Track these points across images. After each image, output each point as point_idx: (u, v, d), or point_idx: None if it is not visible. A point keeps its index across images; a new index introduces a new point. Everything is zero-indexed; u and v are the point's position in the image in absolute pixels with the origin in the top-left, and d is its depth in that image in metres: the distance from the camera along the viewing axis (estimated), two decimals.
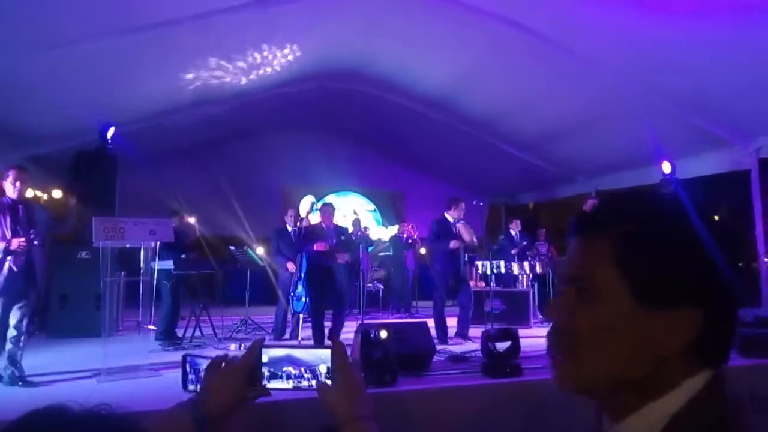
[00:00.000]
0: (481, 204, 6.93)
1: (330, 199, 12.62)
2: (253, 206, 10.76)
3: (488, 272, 7.67)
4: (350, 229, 8.19)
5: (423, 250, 9.05)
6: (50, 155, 7.51)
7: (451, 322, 6.43)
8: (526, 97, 8.88)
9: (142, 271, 6.07)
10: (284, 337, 6.69)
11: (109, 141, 7.44)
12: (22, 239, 4.28)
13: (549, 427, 4.15)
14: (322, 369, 1.03)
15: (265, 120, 11.26)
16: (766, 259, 8.31)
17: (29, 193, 5.09)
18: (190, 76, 7.49)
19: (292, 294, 6.62)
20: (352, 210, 11.61)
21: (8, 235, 4.28)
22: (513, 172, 11.82)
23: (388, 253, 10.36)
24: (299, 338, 6.44)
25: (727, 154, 8.23)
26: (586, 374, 0.69)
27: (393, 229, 11.57)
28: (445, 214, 6.58)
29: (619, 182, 10.31)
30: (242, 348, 6.01)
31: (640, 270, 0.66)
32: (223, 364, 1.12)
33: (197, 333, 6.56)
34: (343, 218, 10.62)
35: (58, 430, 0.64)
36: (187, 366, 1.26)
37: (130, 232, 4.76)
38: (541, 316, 8.02)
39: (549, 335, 0.74)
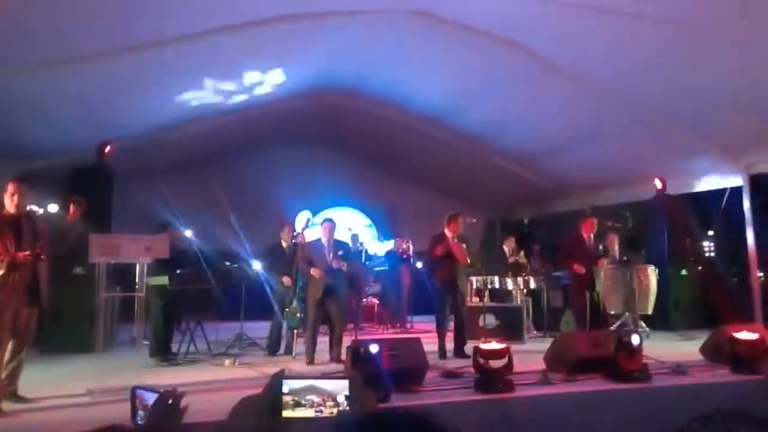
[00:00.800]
0: (474, 220, 6.96)
1: (326, 213, 12.68)
2: (249, 221, 10.76)
3: (482, 287, 7.70)
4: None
5: (419, 265, 9.09)
6: (46, 171, 7.54)
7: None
8: (521, 113, 8.98)
9: (137, 286, 6.11)
10: (278, 352, 6.69)
11: (106, 157, 7.47)
12: (27, 253, 4.10)
13: None
14: (341, 398, 1.10)
15: (260, 135, 11.33)
16: (759, 274, 8.37)
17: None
18: (187, 95, 7.57)
19: (287, 309, 6.63)
20: (348, 226, 11.63)
21: (11, 250, 4.08)
22: (508, 187, 11.90)
23: (383, 267, 10.38)
24: (294, 353, 6.45)
25: (717, 171, 8.32)
26: None
27: (389, 244, 11.60)
28: (445, 230, 6.61)
29: (613, 198, 10.38)
30: (236, 363, 6.03)
31: None
32: (171, 400, 1.16)
33: (192, 348, 6.55)
34: (339, 233, 10.63)
35: None
36: (137, 400, 1.29)
37: (125, 248, 4.80)
38: (535, 331, 8.04)
39: None
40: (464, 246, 6.46)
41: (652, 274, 6.82)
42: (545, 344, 6.54)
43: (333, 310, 6.22)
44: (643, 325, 7.26)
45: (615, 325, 6.90)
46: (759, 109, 6.77)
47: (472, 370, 5.21)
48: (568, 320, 7.91)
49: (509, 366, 4.89)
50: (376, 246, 12.65)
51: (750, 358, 5.05)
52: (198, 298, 6.82)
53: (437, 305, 6.55)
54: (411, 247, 9.79)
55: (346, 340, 5.88)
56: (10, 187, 4.17)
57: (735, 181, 8.14)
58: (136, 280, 7.18)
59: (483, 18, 6.54)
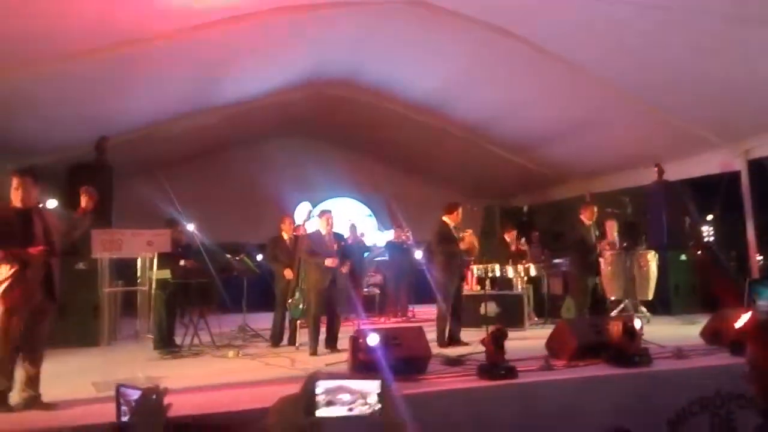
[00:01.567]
0: (476, 209, 6.97)
1: (326, 204, 12.70)
2: (250, 213, 10.82)
3: (483, 275, 7.74)
4: (346, 235, 8.24)
5: (418, 254, 9.10)
6: (46, 167, 7.55)
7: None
8: (518, 101, 8.99)
9: (139, 280, 6.14)
10: (282, 343, 6.73)
11: (104, 152, 7.47)
12: (41, 248, 3.89)
13: (544, 428, 4.21)
14: (372, 398, 1.18)
15: (259, 128, 11.34)
16: (758, 258, 8.43)
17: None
18: (184, 86, 7.56)
19: (290, 300, 6.66)
20: (348, 216, 11.65)
21: (23, 245, 3.86)
22: (507, 175, 11.93)
23: (383, 258, 10.41)
24: (297, 344, 6.49)
25: (716, 156, 8.35)
26: None
27: (389, 234, 11.63)
28: (444, 218, 6.61)
29: (612, 184, 10.42)
30: (240, 354, 6.07)
31: None
32: (154, 397, 1.19)
33: (195, 341, 6.60)
34: (338, 224, 10.66)
35: None
36: (121, 398, 1.32)
37: (127, 243, 4.81)
38: (536, 318, 8.09)
39: None
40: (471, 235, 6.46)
41: (652, 259, 6.85)
42: (546, 331, 6.58)
43: (334, 300, 6.25)
44: (644, 310, 7.30)
45: (615, 311, 6.95)
46: (757, 94, 6.78)
47: (474, 357, 5.27)
48: (568, 307, 7.96)
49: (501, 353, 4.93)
50: (377, 236, 12.69)
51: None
52: (200, 291, 6.86)
53: (443, 295, 6.52)
54: (410, 237, 9.81)
55: (349, 330, 5.91)
56: (14, 181, 3.99)
57: (733, 165, 8.17)
58: (138, 274, 7.20)
59: (479, 6, 6.52)
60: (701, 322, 6.67)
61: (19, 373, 3.95)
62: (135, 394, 1.28)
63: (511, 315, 7.27)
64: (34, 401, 3.91)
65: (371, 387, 1.21)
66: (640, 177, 9.69)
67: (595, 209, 7.35)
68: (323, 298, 6.15)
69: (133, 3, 5.31)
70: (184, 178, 10.86)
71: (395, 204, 11.83)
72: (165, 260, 6.06)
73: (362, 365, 4.41)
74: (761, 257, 8.49)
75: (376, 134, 11.97)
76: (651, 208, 9.28)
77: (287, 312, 6.77)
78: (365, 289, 9.46)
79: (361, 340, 4.43)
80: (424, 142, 11.43)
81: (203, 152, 11.42)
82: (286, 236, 7.22)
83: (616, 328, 5.16)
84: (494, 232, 11.42)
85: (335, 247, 6.31)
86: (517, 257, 8.11)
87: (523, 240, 8.70)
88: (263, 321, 7.45)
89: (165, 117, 8.39)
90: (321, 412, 1.17)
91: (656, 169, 9.04)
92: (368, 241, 11.12)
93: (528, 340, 6.03)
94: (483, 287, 7.65)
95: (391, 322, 8.83)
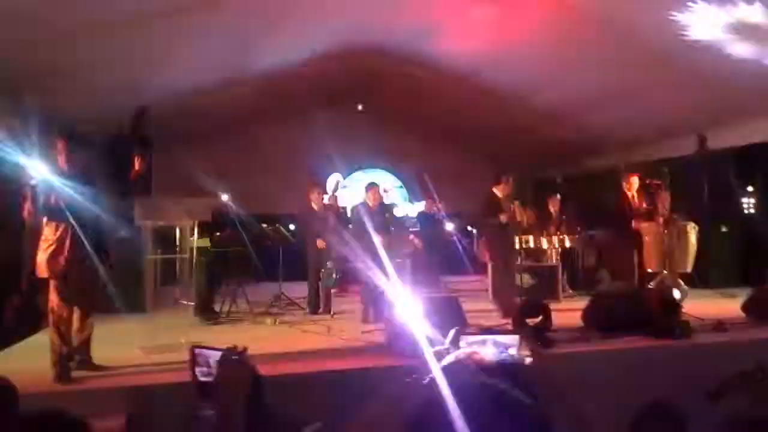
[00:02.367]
0: (511, 177, 6.84)
1: (357, 175, 12.72)
2: (282, 184, 10.90)
3: (517, 246, 7.67)
4: None
5: (449, 226, 9.08)
6: (86, 137, 7.69)
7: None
8: (556, 67, 8.74)
9: (178, 248, 6.29)
10: (319, 311, 6.85)
11: (145, 122, 7.58)
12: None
13: (579, 399, 4.23)
14: (512, 351, 1.32)
15: (292, 99, 11.32)
16: None
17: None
18: (222, 56, 7.57)
19: (323, 270, 6.76)
20: (382, 188, 11.68)
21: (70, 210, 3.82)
22: (541, 145, 11.71)
23: (415, 229, 10.41)
24: (332, 312, 6.59)
25: (762, 124, 8.02)
26: None
27: (420, 206, 11.62)
28: (494, 189, 6.50)
29: (649, 155, 10.14)
30: (277, 322, 6.19)
31: None
32: (236, 357, 1.23)
33: (233, 308, 6.75)
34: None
35: None
36: (197, 358, 1.36)
37: (169, 211, 4.91)
38: (570, 291, 8.03)
39: None
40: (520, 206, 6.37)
41: (692, 231, 6.69)
42: (580, 303, 6.55)
43: (378, 271, 6.30)
44: (682, 283, 7.18)
45: (653, 283, 6.84)
46: None
47: (509, 327, 5.28)
48: (603, 278, 7.88)
49: (547, 323, 4.95)
50: (408, 207, 12.69)
51: None
52: (238, 260, 6.99)
53: (494, 268, 6.45)
54: (441, 209, 9.78)
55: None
56: (59, 144, 3.99)
57: None
58: (177, 242, 7.36)
59: None
60: (741, 295, 6.54)
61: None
62: (213, 355, 1.32)
63: (546, 287, 7.24)
64: (85, 364, 4.05)
65: (513, 341, 1.33)
66: (679, 146, 9.40)
67: (637, 179, 7.14)
68: (370, 268, 6.23)
69: None
70: (218, 149, 10.99)
71: (428, 175, 11.80)
72: (204, 229, 6.19)
73: (399, 334, 4.46)
74: None
75: (410, 104, 11.85)
76: (692, 178, 9.01)
77: (320, 281, 6.87)
78: (397, 260, 9.49)
79: (396, 310, 4.47)
80: (457, 110, 11.27)
81: (237, 123, 11.48)
82: (315, 207, 7.24)
83: (654, 300, 5.11)
84: (527, 203, 11.30)
85: (382, 218, 6.36)
86: (557, 227, 8.00)
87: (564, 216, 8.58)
88: (298, 290, 7.58)
89: (202, 87, 8.43)
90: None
91: (698, 138, 8.75)
92: (399, 213, 11.13)
93: (563, 312, 6.00)
94: (517, 258, 7.61)
95: (423, 292, 8.87)
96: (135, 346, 4.81)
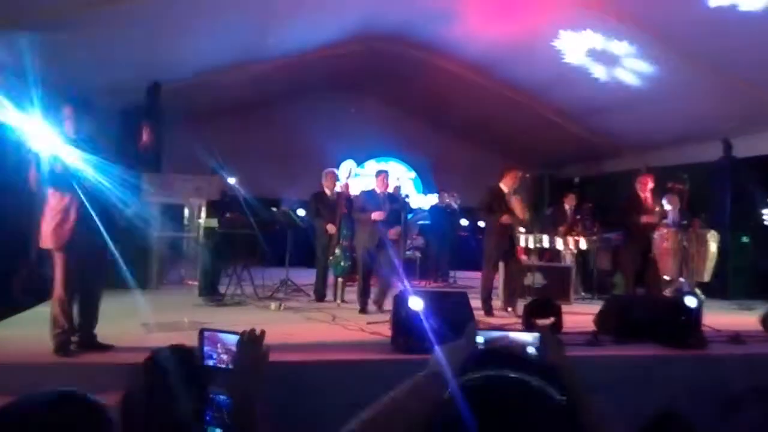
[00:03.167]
0: (528, 176, 6.70)
1: (370, 164, 12.60)
2: (291, 169, 10.80)
3: (530, 246, 7.53)
4: None
5: (464, 221, 8.93)
6: (99, 109, 7.62)
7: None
8: (578, 65, 8.54)
9: (186, 227, 6.22)
10: (327, 299, 6.75)
11: (157, 98, 7.49)
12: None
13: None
14: (531, 350, 1.23)
15: (307, 82, 11.19)
16: None
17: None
18: (238, 35, 7.45)
19: (331, 257, 6.65)
20: (394, 176, 11.54)
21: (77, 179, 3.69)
22: (559, 143, 11.50)
23: (426, 221, 10.28)
24: (339, 301, 6.49)
25: None
26: None
27: (433, 197, 11.47)
28: (500, 184, 6.36)
29: (669, 159, 9.89)
30: (282, 308, 6.10)
31: None
32: (254, 341, 1.17)
33: (238, 291, 6.68)
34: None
35: None
36: (205, 340, 1.27)
37: (177, 188, 4.81)
38: (583, 293, 7.87)
39: None
40: (522, 201, 6.23)
41: (712, 239, 6.50)
42: (593, 306, 6.41)
43: (383, 260, 6.21)
44: (699, 292, 6.99)
45: (668, 290, 6.67)
46: None
47: (517, 326, 5.16)
48: (618, 282, 7.70)
49: (558, 325, 4.81)
50: (420, 199, 12.55)
51: None
52: (245, 242, 6.91)
53: (486, 262, 6.40)
54: (458, 201, 9.63)
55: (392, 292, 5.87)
56: (67, 110, 3.87)
57: None
58: (185, 221, 7.28)
59: None
60: (758, 308, 6.35)
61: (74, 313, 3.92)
62: (224, 338, 1.24)
63: (557, 288, 7.07)
64: (90, 342, 3.94)
65: (532, 339, 1.24)
66: (701, 152, 9.16)
67: (651, 180, 6.94)
68: (370, 256, 6.14)
69: None
70: (228, 130, 10.90)
71: (442, 168, 11.64)
72: (213, 209, 6.10)
73: (405, 328, 4.35)
74: None
75: (426, 94, 11.66)
76: (715, 186, 8.78)
77: (328, 269, 6.78)
78: (407, 252, 9.38)
79: (405, 302, 4.35)
80: (476, 103, 11.07)
81: (249, 104, 11.38)
82: (328, 192, 7.16)
83: (670, 308, 4.95)
84: (543, 202, 11.12)
85: (388, 207, 6.25)
86: (571, 227, 7.83)
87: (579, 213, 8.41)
88: (305, 276, 7.49)
89: (217, 66, 8.33)
90: None
91: (722, 144, 8.51)
92: (412, 204, 10.98)
93: (575, 315, 5.85)
94: (530, 257, 7.46)
95: (431, 287, 8.76)
96: (137, 322, 4.74)
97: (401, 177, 12.27)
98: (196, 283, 6.46)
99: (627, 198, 7.12)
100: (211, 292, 6.38)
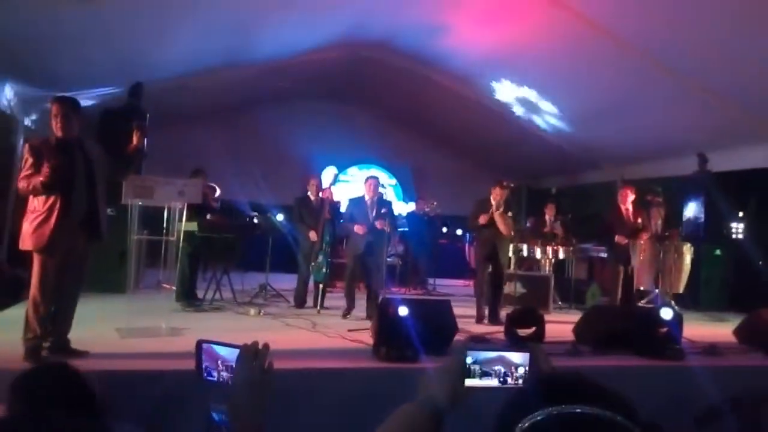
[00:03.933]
0: (512, 185, 6.76)
1: (352, 171, 12.59)
2: (275, 173, 10.74)
3: (510, 255, 7.58)
4: None
5: (444, 228, 8.97)
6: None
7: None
8: (560, 79, 8.67)
9: (166, 230, 6.11)
10: (306, 305, 6.70)
11: (138, 98, 7.37)
12: (46, 167, 3.51)
13: None
14: (521, 370, 1.18)
15: (290, 87, 11.15)
16: None
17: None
18: (221, 38, 7.39)
19: (313, 264, 6.61)
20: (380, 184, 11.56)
21: (61, 179, 3.58)
22: (538, 155, 11.64)
23: (405, 228, 10.29)
24: (319, 308, 6.44)
25: (764, 150, 7.99)
26: None
27: (411, 205, 11.51)
28: (490, 197, 6.39)
29: (646, 172, 10.09)
30: (261, 314, 6.03)
31: None
32: (256, 356, 1.11)
33: (217, 296, 6.59)
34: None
35: None
36: (203, 354, 1.20)
37: (159, 191, 4.72)
38: (560, 302, 7.95)
39: None
40: (509, 215, 6.28)
41: (687, 252, 6.64)
42: (570, 316, 6.48)
43: (372, 267, 6.23)
44: (673, 304, 7.13)
45: (644, 301, 6.78)
46: None
47: (500, 336, 5.18)
48: (593, 293, 7.80)
49: (540, 334, 4.85)
50: (401, 206, 12.57)
51: None
52: (225, 247, 6.82)
53: (476, 273, 6.49)
54: (437, 210, 9.67)
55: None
56: (54, 108, 3.70)
57: None
58: (164, 224, 7.16)
59: None
60: (729, 320, 6.50)
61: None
62: (223, 351, 1.17)
63: (536, 296, 7.14)
64: (62, 347, 3.81)
65: (522, 360, 1.18)
66: (677, 166, 9.35)
67: (632, 193, 7.06)
68: (358, 263, 6.16)
69: None
70: (209, 133, 10.77)
71: (423, 176, 11.68)
72: (193, 212, 6.00)
73: (386, 336, 4.33)
74: None
75: (409, 103, 11.72)
76: (689, 199, 8.97)
77: (310, 275, 6.73)
78: (388, 258, 9.38)
79: (389, 310, 4.33)
80: (457, 114, 11.16)
81: (232, 108, 11.29)
82: (312, 197, 7.14)
83: (646, 319, 5.03)
84: (520, 212, 11.21)
85: (374, 213, 6.27)
86: (549, 238, 7.91)
87: (558, 222, 8.51)
88: (285, 282, 7.42)
89: (200, 68, 8.24)
90: (472, 382, 1.13)
91: (698, 158, 8.71)
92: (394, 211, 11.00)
93: (552, 324, 5.89)
94: (509, 266, 7.51)
95: (411, 294, 8.76)
96: (112, 327, 4.63)
97: (384, 184, 12.27)
98: (173, 287, 6.34)
99: (610, 212, 7.22)
100: (189, 297, 6.27)
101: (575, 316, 5.81)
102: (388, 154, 12.67)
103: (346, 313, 6.06)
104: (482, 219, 6.23)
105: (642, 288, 6.88)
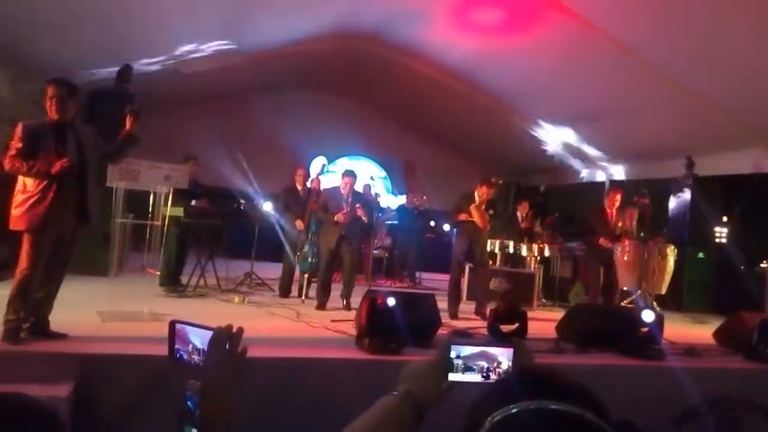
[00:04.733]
0: (501, 181, 6.78)
1: (342, 162, 12.53)
2: (260, 162, 10.65)
3: (495, 251, 7.60)
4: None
5: (432, 223, 8.98)
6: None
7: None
8: (552, 77, 8.68)
9: (151, 215, 6.05)
10: (291, 295, 6.67)
11: (127, 81, 7.27)
12: (65, 161, 3.55)
13: None
14: (505, 365, 1.17)
15: (280, 77, 11.07)
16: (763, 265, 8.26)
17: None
18: (212, 23, 7.30)
19: (299, 253, 6.58)
20: (369, 175, 11.51)
21: (52, 160, 3.56)
22: (528, 152, 11.68)
23: (394, 221, 10.29)
24: (303, 297, 6.42)
25: (750, 156, 8.08)
26: None
27: (401, 198, 11.50)
28: (475, 192, 6.38)
29: (634, 173, 10.19)
30: (245, 302, 6.01)
31: None
32: (230, 339, 1.08)
33: (201, 282, 6.54)
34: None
35: None
36: (175, 335, 1.17)
37: (145, 175, 4.67)
38: (544, 300, 8.00)
39: None
40: (489, 211, 6.30)
41: (671, 254, 6.70)
42: (554, 313, 6.52)
43: (346, 257, 6.20)
44: (654, 305, 7.20)
45: (626, 302, 6.84)
46: None
47: (482, 331, 5.20)
48: (577, 291, 7.86)
49: (523, 331, 4.87)
50: (390, 199, 12.56)
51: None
52: (210, 233, 6.77)
53: (453, 267, 6.48)
54: (426, 203, 9.66)
55: (358, 290, 5.84)
56: (50, 90, 3.64)
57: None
58: (150, 208, 7.10)
59: None
60: (710, 322, 6.57)
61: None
62: (197, 333, 1.14)
63: (521, 293, 7.17)
64: (42, 329, 3.77)
65: (505, 354, 1.18)
66: (664, 169, 9.44)
67: (619, 196, 7.13)
68: (333, 254, 6.12)
69: None
70: (199, 118, 10.67)
71: (414, 169, 11.65)
72: (179, 197, 5.95)
73: (370, 327, 4.32)
74: None
75: (400, 95, 11.68)
76: (675, 201, 9.07)
77: (296, 264, 6.71)
78: (374, 251, 9.37)
79: (376, 301, 4.32)
80: (449, 108, 11.15)
81: (221, 95, 11.18)
82: (299, 187, 7.12)
83: (629, 319, 5.07)
84: (507, 208, 11.24)
85: (347, 206, 6.23)
86: (525, 235, 7.94)
87: (537, 222, 8.53)
88: (270, 270, 7.39)
89: (190, 53, 8.14)
90: (455, 377, 1.12)
91: (685, 161, 8.79)
92: (382, 203, 10.98)
93: (536, 321, 5.93)
94: (494, 262, 7.54)
95: (397, 286, 8.77)
96: (93, 310, 4.58)
97: (374, 176, 12.23)
98: (157, 272, 6.29)
99: (593, 212, 7.28)
100: (172, 283, 6.22)
101: (559, 314, 5.85)
102: (379, 146, 12.63)
103: (321, 307, 5.99)
104: (462, 216, 6.26)
105: (625, 288, 6.93)
